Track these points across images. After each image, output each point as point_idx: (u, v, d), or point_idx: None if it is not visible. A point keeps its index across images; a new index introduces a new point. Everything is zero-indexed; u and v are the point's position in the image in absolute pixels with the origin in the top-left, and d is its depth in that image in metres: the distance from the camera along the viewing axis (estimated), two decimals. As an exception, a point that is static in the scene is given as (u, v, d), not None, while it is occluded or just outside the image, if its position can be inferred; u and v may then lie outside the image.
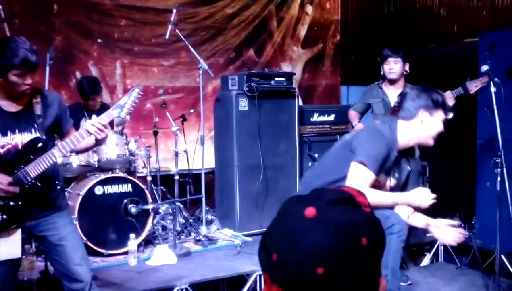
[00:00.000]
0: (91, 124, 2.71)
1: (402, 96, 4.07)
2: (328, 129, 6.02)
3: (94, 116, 2.79)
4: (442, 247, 5.05)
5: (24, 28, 5.34)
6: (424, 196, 2.77)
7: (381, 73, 4.60)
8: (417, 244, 5.12)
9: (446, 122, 2.91)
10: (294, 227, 0.88)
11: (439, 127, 2.86)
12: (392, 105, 4.43)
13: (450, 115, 3.02)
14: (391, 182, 3.00)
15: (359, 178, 2.72)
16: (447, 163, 6.05)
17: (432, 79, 4.91)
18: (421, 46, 6.70)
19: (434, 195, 2.76)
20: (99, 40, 5.92)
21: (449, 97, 4.06)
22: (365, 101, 4.76)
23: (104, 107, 5.17)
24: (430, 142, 2.91)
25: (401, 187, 3.08)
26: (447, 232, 2.87)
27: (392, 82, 4.52)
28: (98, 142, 2.88)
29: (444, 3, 6.65)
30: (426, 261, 5.08)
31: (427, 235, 5.25)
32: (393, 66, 4.45)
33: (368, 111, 4.78)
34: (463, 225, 4.94)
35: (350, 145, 2.91)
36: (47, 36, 5.53)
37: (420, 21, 6.95)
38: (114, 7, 5.99)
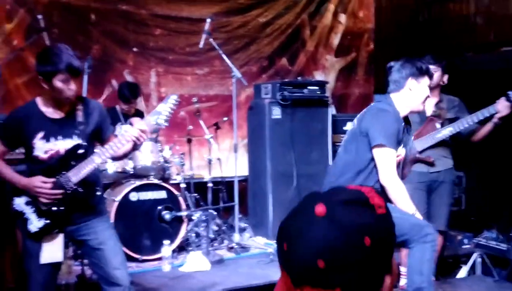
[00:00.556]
0: (132, 131, 2.76)
1: (437, 105, 4.04)
2: (362, 138, 5.97)
3: (136, 119, 2.83)
4: (479, 259, 4.94)
5: (63, 37, 5.46)
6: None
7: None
8: (453, 255, 5.02)
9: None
10: (303, 221, 0.95)
11: (426, 92, 3.09)
12: (428, 114, 4.32)
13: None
14: (401, 151, 3.16)
15: (386, 162, 2.95)
16: (484, 174, 5.92)
17: (468, 88, 4.83)
18: (456, 55, 6.61)
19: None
20: (134, 49, 6.03)
21: (506, 106, 3.91)
22: None
23: (138, 114, 5.26)
24: (421, 108, 3.14)
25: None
26: None
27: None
28: (134, 147, 2.94)
29: (481, 11, 6.55)
30: (462, 273, 4.97)
31: (463, 246, 5.17)
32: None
33: None
34: (501, 237, 4.84)
35: (359, 131, 3.11)
36: (85, 45, 5.65)
37: (455, 29, 6.87)
38: (149, 17, 6.09)
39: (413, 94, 3.09)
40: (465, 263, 5.01)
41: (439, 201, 4.14)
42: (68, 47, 2.78)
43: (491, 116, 3.93)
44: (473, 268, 4.99)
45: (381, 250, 0.94)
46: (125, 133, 2.80)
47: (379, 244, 0.93)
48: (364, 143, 3.08)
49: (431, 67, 4.29)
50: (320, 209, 0.94)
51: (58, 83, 2.71)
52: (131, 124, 3.18)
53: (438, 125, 4.05)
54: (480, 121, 4.00)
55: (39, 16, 5.06)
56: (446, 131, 4.01)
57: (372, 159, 3.10)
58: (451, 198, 4.41)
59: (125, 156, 3.20)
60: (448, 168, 4.19)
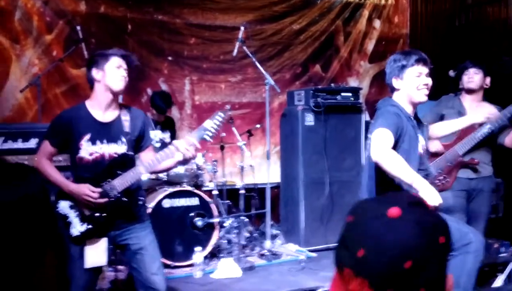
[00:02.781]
0: (180, 144, 2.84)
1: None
2: (396, 144, 5.90)
3: (191, 136, 2.89)
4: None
5: (100, 47, 5.57)
6: (433, 196, 2.61)
7: (460, 86, 4.29)
8: (489, 264, 4.89)
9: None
10: (379, 225, 0.97)
11: (416, 81, 2.95)
12: (478, 121, 4.00)
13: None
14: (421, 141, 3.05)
15: (380, 139, 2.77)
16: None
17: (507, 93, 4.71)
18: (494, 60, 6.46)
19: (440, 202, 2.60)
20: (169, 58, 6.14)
21: None
22: (438, 112, 4.30)
23: (168, 121, 5.36)
24: (421, 98, 2.97)
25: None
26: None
27: (471, 92, 4.18)
28: (185, 162, 2.99)
29: (520, 15, 6.40)
30: (499, 282, 4.84)
31: (500, 255, 5.03)
32: (473, 76, 4.14)
33: None
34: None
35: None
36: (121, 54, 5.78)
37: (493, 33, 6.71)
38: (184, 26, 6.19)
39: (403, 91, 3.00)
40: (502, 271, 4.87)
41: (478, 210, 4.05)
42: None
43: None
44: (509, 277, 4.86)
45: (449, 246, 0.99)
46: (171, 147, 2.88)
47: (448, 241, 0.98)
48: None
49: (472, 69, 4.15)
50: (394, 211, 0.96)
51: (110, 68, 2.89)
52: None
53: (476, 125, 3.95)
54: None
55: (78, 27, 5.22)
56: (486, 129, 3.88)
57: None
58: (490, 207, 4.31)
59: (167, 170, 3.29)
60: (488, 175, 4.09)
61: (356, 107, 5.59)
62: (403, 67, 2.98)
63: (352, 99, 5.58)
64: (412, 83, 2.97)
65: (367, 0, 7.10)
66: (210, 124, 2.91)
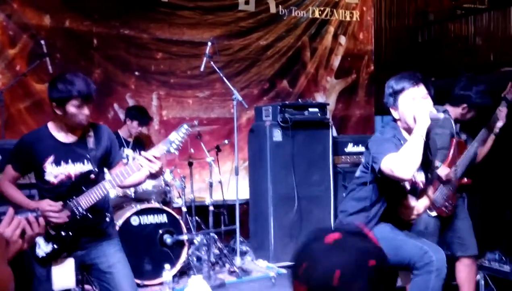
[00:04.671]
0: (141, 158, 2.76)
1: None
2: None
3: (156, 149, 2.81)
4: (483, 281, 4.89)
5: (65, 62, 5.54)
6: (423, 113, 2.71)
7: (461, 111, 3.90)
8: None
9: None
10: (316, 247, 1.21)
11: (413, 106, 2.79)
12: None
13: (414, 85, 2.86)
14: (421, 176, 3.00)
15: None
16: (486, 195, 5.90)
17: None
18: (455, 76, 6.63)
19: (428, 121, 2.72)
20: (136, 73, 6.08)
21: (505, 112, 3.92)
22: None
23: (139, 137, 5.30)
24: (424, 121, 2.73)
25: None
26: None
27: None
28: (154, 176, 2.89)
29: (480, 32, 6.61)
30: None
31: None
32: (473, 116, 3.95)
33: None
34: (504, 259, 4.80)
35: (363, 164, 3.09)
36: (87, 69, 5.70)
37: (455, 50, 6.92)
38: (151, 41, 6.16)
39: (403, 119, 2.89)
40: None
41: (465, 225, 3.97)
42: (81, 74, 2.83)
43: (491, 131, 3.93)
44: (476, 290, 4.95)
45: (382, 269, 1.17)
46: (135, 161, 2.80)
47: (381, 265, 1.16)
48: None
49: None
50: (332, 236, 1.20)
51: (71, 108, 2.76)
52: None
53: (468, 144, 3.98)
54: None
55: (42, 42, 5.12)
56: (473, 148, 3.91)
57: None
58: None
59: (135, 185, 3.24)
60: None
61: (323, 122, 5.64)
62: (397, 92, 2.86)
63: (320, 114, 5.63)
64: (409, 107, 2.82)
65: (333, 16, 7.21)
66: (175, 136, 2.84)
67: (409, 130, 2.88)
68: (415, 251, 2.91)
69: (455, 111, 3.89)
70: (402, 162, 2.64)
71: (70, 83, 2.74)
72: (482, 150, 4.03)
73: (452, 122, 3.96)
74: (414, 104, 2.80)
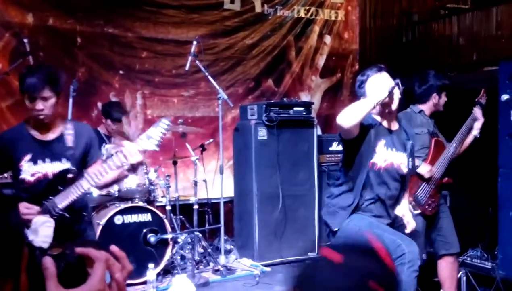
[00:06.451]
0: (119, 156, 2.67)
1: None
2: (347, 158, 5.99)
3: (126, 142, 2.75)
4: (464, 278, 4.94)
5: (49, 61, 5.47)
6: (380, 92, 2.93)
7: (433, 102, 4.05)
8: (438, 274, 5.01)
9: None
10: (318, 266, 1.17)
11: (377, 95, 2.97)
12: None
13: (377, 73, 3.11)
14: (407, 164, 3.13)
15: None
16: (468, 193, 5.95)
17: (451, 107, 4.88)
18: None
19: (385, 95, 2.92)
20: (120, 72, 6.04)
21: (480, 113, 4.04)
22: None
23: (120, 134, 5.27)
24: (381, 92, 2.96)
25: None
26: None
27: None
28: (133, 169, 2.80)
29: (464, 32, 6.65)
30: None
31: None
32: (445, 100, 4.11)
33: None
34: (485, 255, 4.85)
35: None
36: (71, 68, 5.66)
37: (438, 50, 6.96)
38: (135, 40, 6.12)
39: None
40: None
41: (447, 224, 4.08)
42: (45, 66, 2.79)
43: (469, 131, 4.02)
44: (458, 287, 4.99)
45: None
46: (114, 159, 2.70)
47: (381, 287, 1.08)
48: None
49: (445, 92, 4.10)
50: (335, 256, 1.13)
51: (26, 102, 2.76)
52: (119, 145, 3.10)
53: (445, 143, 4.05)
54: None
55: (25, 40, 5.05)
56: (452, 148, 3.99)
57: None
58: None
59: (113, 183, 3.16)
60: None
61: (308, 121, 5.66)
62: (363, 83, 3.15)
63: (305, 113, 5.65)
64: (373, 90, 3.08)
65: (318, 16, 7.23)
66: (155, 131, 2.73)
67: (381, 113, 3.08)
68: (389, 244, 2.97)
69: (428, 106, 4.01)
70: (346, 112, 2.87)
71: (23, 77, 2.74)
72: (461, 149, 4.11)
73: (430, 122, 4.06)
74: (378, 86, 3.01)
